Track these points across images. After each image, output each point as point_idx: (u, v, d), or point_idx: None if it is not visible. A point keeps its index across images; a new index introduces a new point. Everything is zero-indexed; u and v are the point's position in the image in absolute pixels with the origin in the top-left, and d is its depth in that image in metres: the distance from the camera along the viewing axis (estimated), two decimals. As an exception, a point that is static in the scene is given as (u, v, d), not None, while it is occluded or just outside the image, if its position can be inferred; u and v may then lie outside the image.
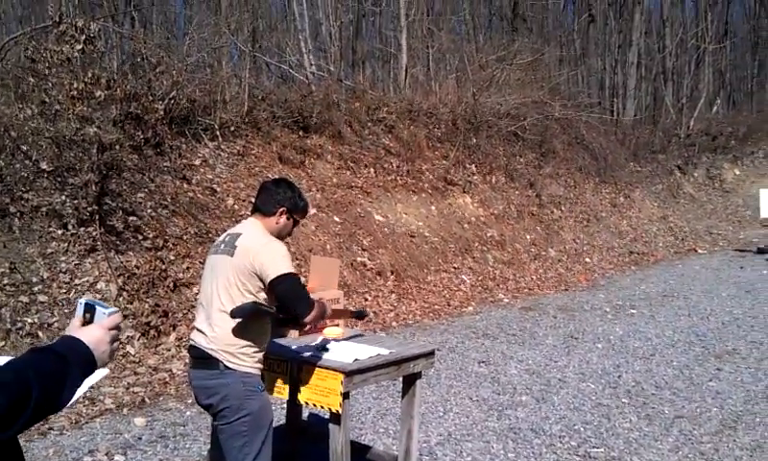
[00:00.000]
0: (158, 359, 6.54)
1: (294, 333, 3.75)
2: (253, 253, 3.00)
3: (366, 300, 8.94)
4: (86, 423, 5.21)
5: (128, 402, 5.62)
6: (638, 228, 16.60)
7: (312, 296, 3.40)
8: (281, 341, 3.63)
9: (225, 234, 3.23)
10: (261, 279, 2.98)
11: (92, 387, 5.66)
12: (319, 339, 3.70)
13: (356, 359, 3.31)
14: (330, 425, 3.32)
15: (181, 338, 6.95)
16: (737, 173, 22.26)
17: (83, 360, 1.50)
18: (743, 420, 5.33)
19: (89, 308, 1.60)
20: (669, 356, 7.16)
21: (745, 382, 6.24)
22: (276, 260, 2.99)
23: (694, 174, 21.71)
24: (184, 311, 7.30)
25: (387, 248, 10.20)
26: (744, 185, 21.75)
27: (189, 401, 5.66)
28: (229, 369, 2.99)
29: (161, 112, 8.78)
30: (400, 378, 3.78)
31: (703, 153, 22.31)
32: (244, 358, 2.99)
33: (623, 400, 5.84)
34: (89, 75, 6.77)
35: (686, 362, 6.94)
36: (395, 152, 12.43)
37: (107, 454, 4.64)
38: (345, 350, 3.46)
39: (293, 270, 3.02)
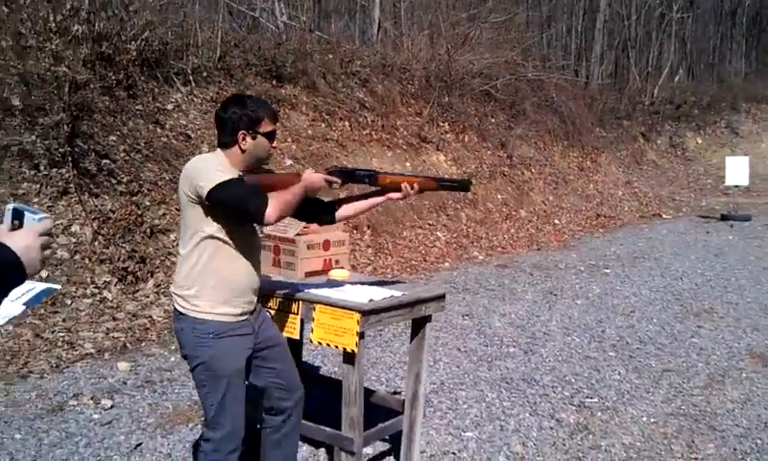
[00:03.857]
0: (137, 305, 6.35)
1: (300, 273, 3.61)
2: (186, 176, 2.71)
3: (343, 253, 8.80)
4: (67, 367, 5.04)
5: (108, 347, 5.44)
6: (604, 192, 16.73)
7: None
8: (292, 280, 3.50)
9: None
10: (202, 203, 2.67)
11: (67, 329, 5.47)
12: (325, 280, 3.58)
13: (371, 300, 3.20)
14: (344, 365, 3.22)
15: (160, 285, 6.76)
16: (699, 142, 22.60)
17: (9, 267, 1.41)
18: (730, 375, 5.39)
19: (18, 215, 1.49)
20: (649, 313, 7.23)
21: (726, 340, 6.32)
22: (208, 173, 2.64)
23: (657, 141, 21.95)
24: (162, 258, 7.10)
25: (362, 202, 10.05)
26: (705, 154, 22.13)
27: (173, 348, 5.50)
28: (182, 314, 2.76)
29: (133, 54, 8.43)
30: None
31: (666, 121, 22.55)
32: (196, 303, 2.73)
33: (610, 354, 5.87)
34: (68, 7, 6.40)
35: (667, 319, 7.01)
36: (369, 106, 12.22)
37: (92, 398, 4.48)
38: (358, 290, 3.35)
39: (231, 177, 2.66)
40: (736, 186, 15.75)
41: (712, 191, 19.28)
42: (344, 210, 3.27)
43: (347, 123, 11.44)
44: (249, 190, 2.68)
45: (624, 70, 25.00)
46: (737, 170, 15.41)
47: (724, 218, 14.95)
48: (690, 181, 20.35)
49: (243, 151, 2.78)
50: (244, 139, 2.76)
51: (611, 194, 16.69)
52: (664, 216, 15.94)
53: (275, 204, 2.67)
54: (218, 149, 2.84)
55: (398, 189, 3.18)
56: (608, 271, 9.49)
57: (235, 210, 2.68)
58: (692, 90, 25.02)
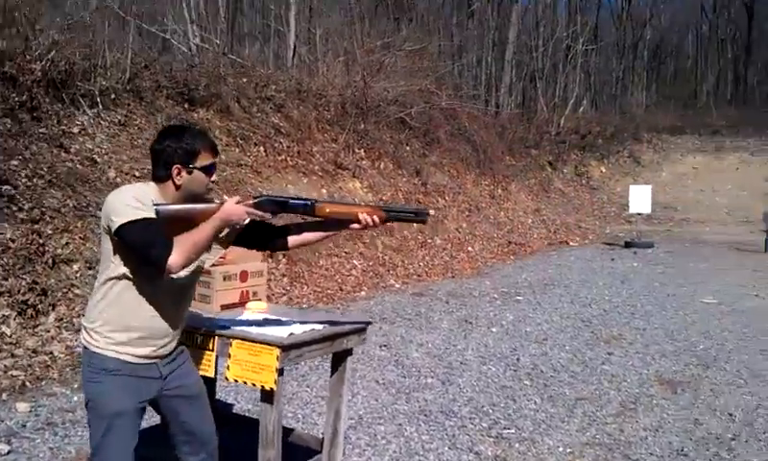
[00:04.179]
0: (37, 341, 5.97)
1: (215, 306, 3.47)
2: (105, 205, 2.51)
3: (257, 282, 8.62)
4: (-41, 408, 4.67)
5: (6, 387, 5.09)
6: (515, 219, 17.14)
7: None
8: (209, 314, 3.36)
9: None
10: (113, 238, 2.50)
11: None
12: (244, 314, 3.45)
13: (291, 333, 3.09)
14: (262, 404, 3.08)
15: (62, 319, 6.39)
16: (603, 171, 23.55)
17: None
18: (641, 402, 5.53)
19: None
20: (561, 341, 7.37)
21: (636, 366, 6.50)
22: (123, 208, 2.44)
23: (564, 170, 22.74)
24: (64, 290, 6.72)
25: (277, 229, 9.90)
26: (609, 183, 23.05)
27: (75, 386, 5.20)
28: (85, 347, 2.59)
29: (38, 74, 8.05)
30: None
31: (572, 150, 23.43)
32: (96, 338, 2.56)
33: (525, 383, 5.93)
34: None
35: (578, 346, 7.16)
36: (285, 131, 12.12)
37: (-13, 443, 4.16)
38: (277, 324, 3.23)
39: (144, 216, 2.46)
40: (639, 214, 16.44)
41: (616, 219, 20.08)
42: (299, 237, 3.03)
43: (261, 148, 11.29)
44: (155, 234, 2.46)
45: (532, 101, 25.85)
46: (640, 198, 16.11)
47: (628, 245, 15.57)
48: (595, 208, 21.13)
49: (177, 186, 2.59)
50: (179, 174, 2.57)
51: (520, 221, 17.11)
52: (571, 243, 16.45)
53: (180, 250, 2.46)
54: (151, 182, 2.64)
55: (343, 220, 2.95)
56: (520, 298, 9.66)
57: (140, 254, 2.48)
58: (597, 121, 26.12)
